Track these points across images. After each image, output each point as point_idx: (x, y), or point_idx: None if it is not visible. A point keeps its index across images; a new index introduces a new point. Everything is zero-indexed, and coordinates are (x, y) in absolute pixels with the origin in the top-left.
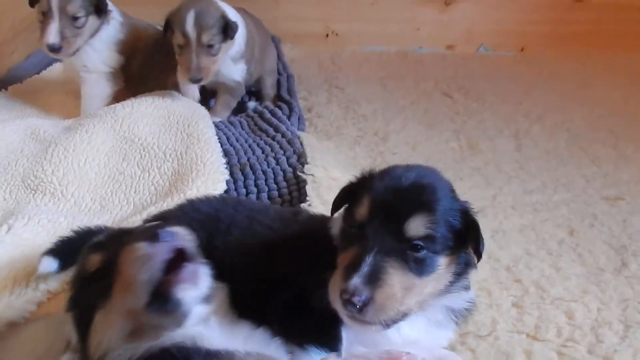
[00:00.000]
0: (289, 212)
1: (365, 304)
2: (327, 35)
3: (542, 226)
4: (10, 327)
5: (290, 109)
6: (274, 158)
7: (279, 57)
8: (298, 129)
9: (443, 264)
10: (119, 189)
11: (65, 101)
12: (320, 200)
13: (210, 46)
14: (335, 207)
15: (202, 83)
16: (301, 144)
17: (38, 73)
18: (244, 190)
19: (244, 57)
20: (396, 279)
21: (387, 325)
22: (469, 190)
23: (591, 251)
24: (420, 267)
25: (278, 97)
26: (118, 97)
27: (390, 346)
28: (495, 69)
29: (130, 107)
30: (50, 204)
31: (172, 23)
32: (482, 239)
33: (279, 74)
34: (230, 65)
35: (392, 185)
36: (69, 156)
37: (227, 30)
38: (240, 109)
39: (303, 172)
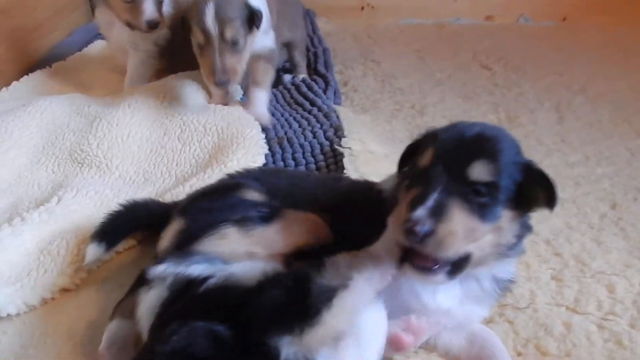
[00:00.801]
0: (331, 178)
1: (427, 235)
2: (363, 8)
3: (584, 199)
4: (63, 292)
5: (326, 83)
6: (311, 132)
7: (314, 31)
8: (334, 103)
9: (505, 216)
10: (161, 162)
11: (107, 77)
12: (357, 173)
13: (234, 42)
14: (402, 163)
15: (230, 87)
16: (337, 117)
17: (80, 50)
18: (281, 163)
19: (271, 25)
20: (459, 216)
21: (447, 270)
22: None
23: (634, 225)
24: (482, 212)
25: (314, 71)
26: (160, 73)
27: (423, 312)
28: (536, 39)
29: (171, 84)
30: (97, 176)
31: (189, 19)
32: (555, 187)
33: (314, 47)
34: (261, 36)
35: (456, 135)
36: (113, 130)
37: (252, 19)
38: (276, 82)
39: (340, 146)
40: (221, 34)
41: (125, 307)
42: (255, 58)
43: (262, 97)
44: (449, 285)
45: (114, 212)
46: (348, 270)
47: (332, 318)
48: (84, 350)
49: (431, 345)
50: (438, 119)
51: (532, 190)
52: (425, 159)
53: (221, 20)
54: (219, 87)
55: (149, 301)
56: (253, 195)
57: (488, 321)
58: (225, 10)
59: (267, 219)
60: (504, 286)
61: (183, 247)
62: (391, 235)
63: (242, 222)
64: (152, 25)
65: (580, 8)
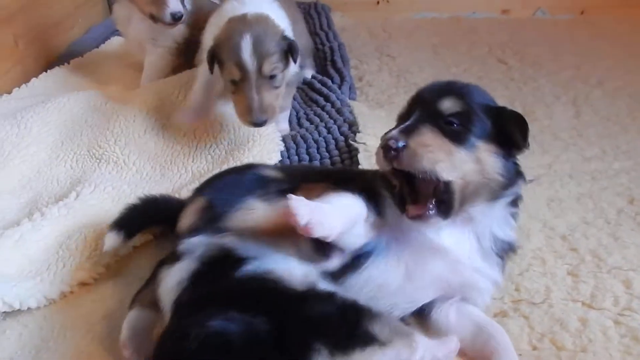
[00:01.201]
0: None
1: (401, 149)
2: (378, 3)
3: (601, 194)
4: (81, 286)
5: (342, 78)
6: (325, 127)
7: (329, 26)
8: (349, 98)
9: (482, 147)
10: (177, 157)
11: (124, 73)
12: (373, 168)
13: (272, 77)
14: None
15: (267, 125)
16: (351, 112)
17: (97, 47)
18: (296, 158)
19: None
20: (430, 134)
21: (438, 210)
22: (524, 158)
23: None
24: (454, 136)
25: (332, 64)
26: (177, 69)
27: (430, 248)
28: (553, 33)
29: (186, 80)
30: (114, 172)
31: (220, 53)
32: (526, 124)
33: (329, 42)
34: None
35: (430, 85)
36: (130, 126)
37: (290, 52)
38: None
39: (355, 141)
40: (259, 69)
41: (144, 297)
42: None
43: (284, 115)
44: (457, 229)
45: (132, 204)
46: (393, 333)
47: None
48: (103, 343)
49: (436, 325)
50: None
51: (507, 128)
52: (405, 107)
53: (260, 55)
54: (256, 126)
55: (174, 276)
56: (269, 172)
57: (502, 315)
58: (263, 43)
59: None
60: (504, 248)
61: (209, 223)
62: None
63: (265, 196)
64: (177, 18)
65: (598, 1)
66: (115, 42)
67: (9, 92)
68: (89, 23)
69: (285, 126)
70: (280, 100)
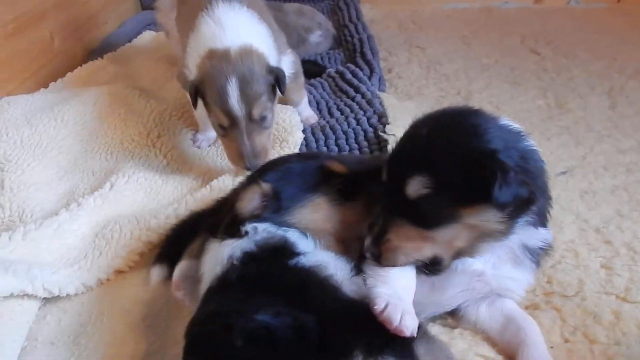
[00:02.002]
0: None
1: (378, 257)
2: None
3: (636, 187)
4: (117, 274)
5: (371, 70)
6: (354, 118)
7: (358, 17)
8: (379, 90)
9: (463, 211)
10: (209, 150)
11: (156, 67)
12: None
13: (262, 118)
14: None
15: (259, 166)
16: (381, 104)
17: (130, 41)
18: (325, 149)
19: (280, 51)
20: (399, 231)
21: (436, 269)
22: (557, 150)
23: None
24: (426, 221)
25: (361, 56)
26: None
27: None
28: (588, 22)
29: None
30: (147, 164)
31: (204, 92)
32: (498, 180)
33: (358, 34)
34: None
35: (399, 147)
36: (162, 119)
37: (278, 84)
38: (319, 72)
39: (384, 132)
40: (249, 114)
41: (193, 250)
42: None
43: (304, 103)
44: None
45: (172, 231)
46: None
47: None
48: (137, 328)
49: (466, 319)
50: (484, 105)
51: (482, 183)
52: (383, 174)
53: (248, 99)
54: (249, 171)
55: (225, 251)
56: (333, 165)
57: (534, 308)
58: (251, 85)
59: (352, 193)
60: (538, 253)
61: (274, 214)
62: None
63: (331, 194)
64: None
65: None
66: (147, 36)
67: (46, 87)
68: (121, 18)
69: (308, 113)
70: (271, 140)
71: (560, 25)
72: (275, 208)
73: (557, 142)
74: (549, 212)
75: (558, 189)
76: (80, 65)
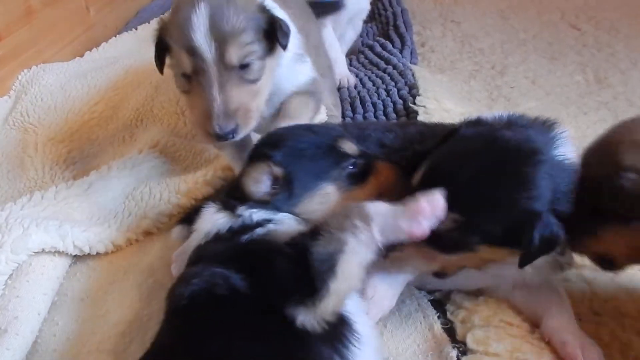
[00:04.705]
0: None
1: (385, 256)
2: None
3: None
4: (146, 235)
5: (403, 42)
6: (385, 90)
7: None
8: (410, 63)
9: (477, 249)
10: None
11: None
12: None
13: (244, 66)
14: None
15: (239, 137)
16: (413, 75)
17: (163, 14)
18: None
19: (305, 48)
20: (413, 248)
21: None
22: (594, 125)
23: None
24: (443, 247)
25: (395, 29)
26: None
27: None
28: None
29: None
30: (175, 131)
31: (168, 36)
32: (534, 243)
33: (392, 7)
34: (294, 66)
35: (437, 173)
36: None
37: (274, 31)
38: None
39: (414, 104)
40: (221, 55)
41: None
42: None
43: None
44: None
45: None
46: (340, 232)
47: (339, 284)
48: (163, 288)
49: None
50: (519, 80)
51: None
52: (416, 179)
53: (220, 34)
54: (218, 140)
55: (208, 224)
56: (346, 145)
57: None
58: (226, 16)
59: (361, 175)
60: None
61: (283, 200)
62: None
63: (340, 180)
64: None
65: None
66: None
67: (81, 56)
68: None
69: (344, 71)
70: (260, 102)
71: (604, 1)
72: (285, 197)
73: (594, 117)
74: None
75: None
76: (115, 36)
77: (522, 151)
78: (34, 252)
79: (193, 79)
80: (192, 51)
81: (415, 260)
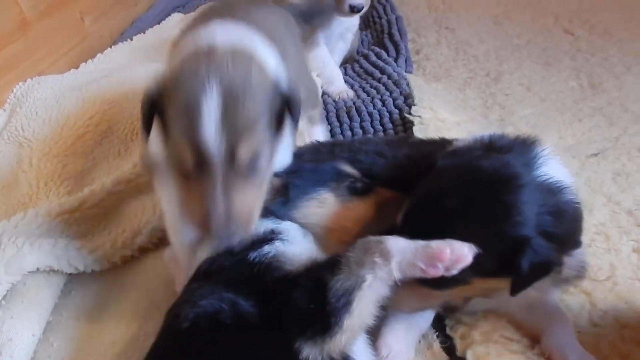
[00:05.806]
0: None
1: None
2: None
3: None
4: (141, 252)
5: (398, 51)
6: (380, 100)
7: None
8: (405, 71)
9: (470, 282)
10: None
11: None
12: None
13: (252, 164)
14: None
15: (236, 241)
16: (408, 85)
17: (158, 23)
18: (349, 133)
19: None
20: (406, 288)
21: None
22: (589, 132)
23: None
24: (434, 283)
25: (389, 37)
26: None
27: None
28: (627, 1)
29: None
30: None
31: (165, 108)
32: (523, 269)
33: (386, 15)
34: None
35: (422, 206)
36: None
37: (289, 110)
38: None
39: (410, 114)
40: (231, 155)
41: None
42: None
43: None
44: None
45: None
46: (359, 268)
47: (353, 321)
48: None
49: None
50: (514, 87)
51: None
52: (399, 218)
53: (232, 129)
54: (219, 247)
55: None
56: (344, 166)
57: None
58: (240, 103)
59: (360, 192)
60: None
61: (280, 204)
62: None
63: (339, 190)
64: (356, 10)
65: None
66: (175, 18)
67: (77, 67)
68: (150, 1)
69: (342, 87)
70: (262, 201)
71: (597, 4)
72: (282, 201)
73: (589, 123)
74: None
75: (589, 171)
76: (110, 47)
77: (500, 179)
78: (28, 272)
79: (192, 173)
80: (198, 146)
81: (411, 301)
